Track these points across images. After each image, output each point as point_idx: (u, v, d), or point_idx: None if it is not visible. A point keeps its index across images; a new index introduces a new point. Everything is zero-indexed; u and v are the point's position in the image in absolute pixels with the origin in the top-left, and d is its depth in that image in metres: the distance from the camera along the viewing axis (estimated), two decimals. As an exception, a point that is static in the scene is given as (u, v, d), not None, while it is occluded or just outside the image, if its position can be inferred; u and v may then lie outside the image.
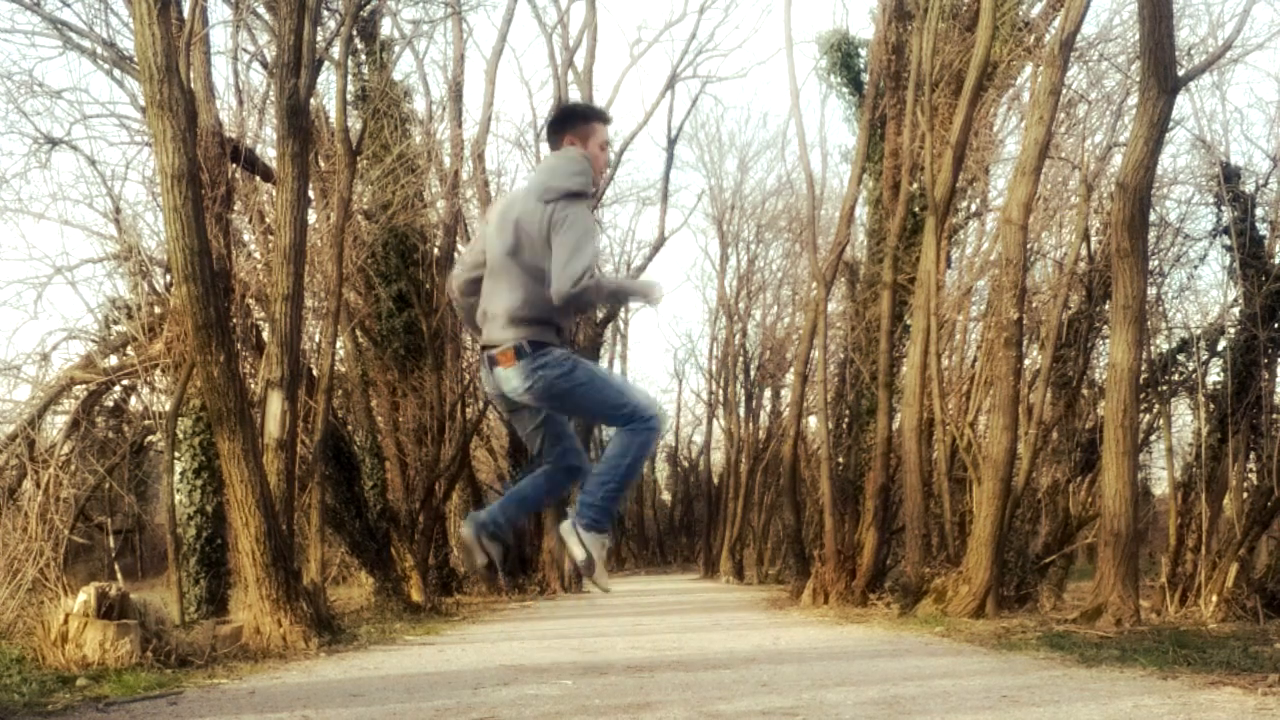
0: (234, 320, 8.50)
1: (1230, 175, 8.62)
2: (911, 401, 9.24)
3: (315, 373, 10.16)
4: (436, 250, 14.30)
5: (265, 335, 8.90)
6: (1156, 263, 9.09)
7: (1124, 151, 7.05)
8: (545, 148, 4.42)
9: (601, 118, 4.07)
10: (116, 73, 8.95)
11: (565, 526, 3.64)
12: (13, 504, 7.98)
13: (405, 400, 13.90)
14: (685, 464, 40.09)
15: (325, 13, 9.49)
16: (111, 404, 9.18)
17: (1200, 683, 3.71)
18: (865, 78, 13.25)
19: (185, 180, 6.11)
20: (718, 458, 34.09)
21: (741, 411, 26.23)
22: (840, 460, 12.80)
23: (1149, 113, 6.59)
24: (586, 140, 3.89)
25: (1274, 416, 8.07)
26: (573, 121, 3.96)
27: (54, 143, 8.91)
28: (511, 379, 3.57)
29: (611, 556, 3.96)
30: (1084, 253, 9.61)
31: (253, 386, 8.12)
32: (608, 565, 3.87)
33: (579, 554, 3.62)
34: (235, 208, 9.42)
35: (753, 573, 23.07)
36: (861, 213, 13.62)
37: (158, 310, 8.72)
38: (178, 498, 8.67)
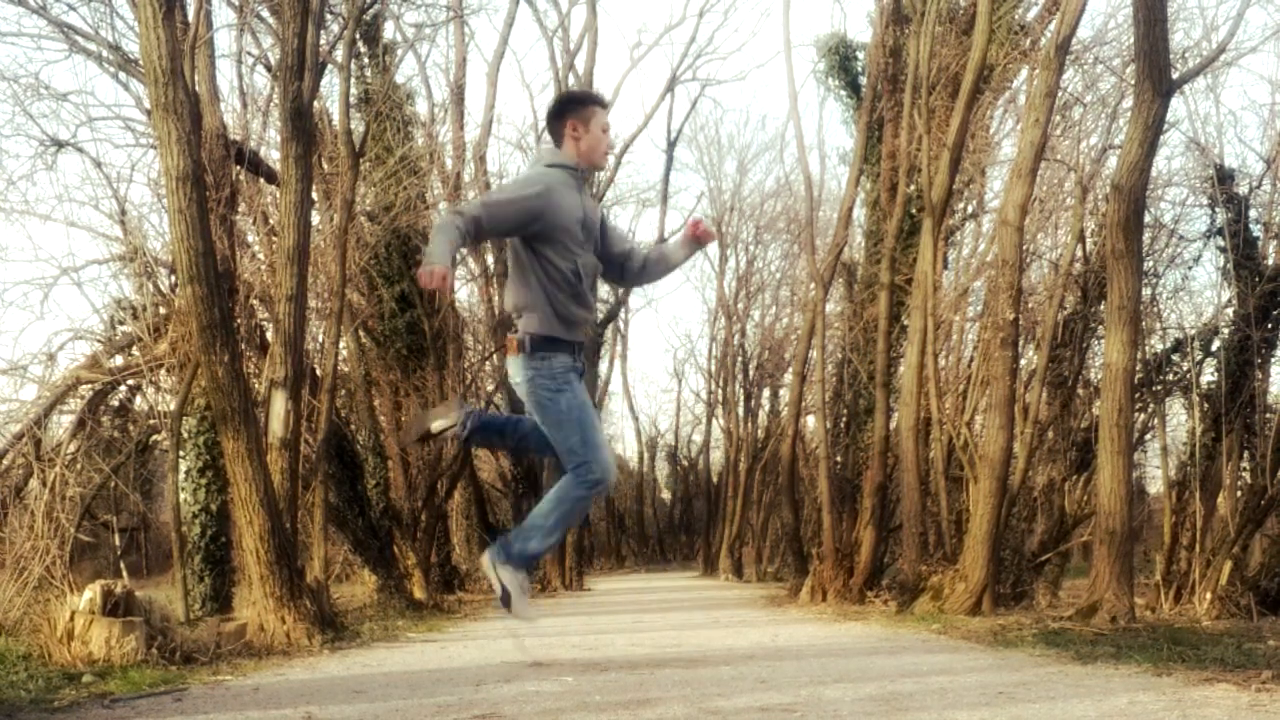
0: (238, 321, 8.56)
1: (1224, 177, 8.69)
2: (909, 401, 9.30)
3: (318, 372, 10.21)
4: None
5: (269, 335, 8.97)
6: (1151, 264, 9.15)
7: (1119, 154, 7.09)
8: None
9: (599, 101, 4.09)
10: (122, 76, 9.03)
11: (486, 559, 3.67)
12: (19, 502, 8.05)
13: (408, 400, 13.95)
14: (685, 463, 40.11)
15: (328, 16, 9.54)
16: (117, 403, 9.25)
17: (1194, 679, 3.76)
18: (863, 80, 13.30)
19: (190, 182, 6.17)
20: (717, 457, 34.11)
21: (740, 411, 26.26)
22: (838, 459, 12.86)
23: (1144, 115, 6.64)
24: (588, 123, 3.90)
25: (1267, 416, 8.13)
26: (573, 107, 3.95)
27: (60, 145, 8.98)
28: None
29: (527, 592, 3.98)
30: (1079, 254, 9.67)
31: (256, 386, 8.18)
32: (526, 595, 3.85)
33: (497, 588, 3.68)
34: (239, 209, 9.48)
35: (751, 571, 23.11)
36: (859, 214, 13.69)
37: (163, 311, 8.79)
38: (182, 496, 8.72)
